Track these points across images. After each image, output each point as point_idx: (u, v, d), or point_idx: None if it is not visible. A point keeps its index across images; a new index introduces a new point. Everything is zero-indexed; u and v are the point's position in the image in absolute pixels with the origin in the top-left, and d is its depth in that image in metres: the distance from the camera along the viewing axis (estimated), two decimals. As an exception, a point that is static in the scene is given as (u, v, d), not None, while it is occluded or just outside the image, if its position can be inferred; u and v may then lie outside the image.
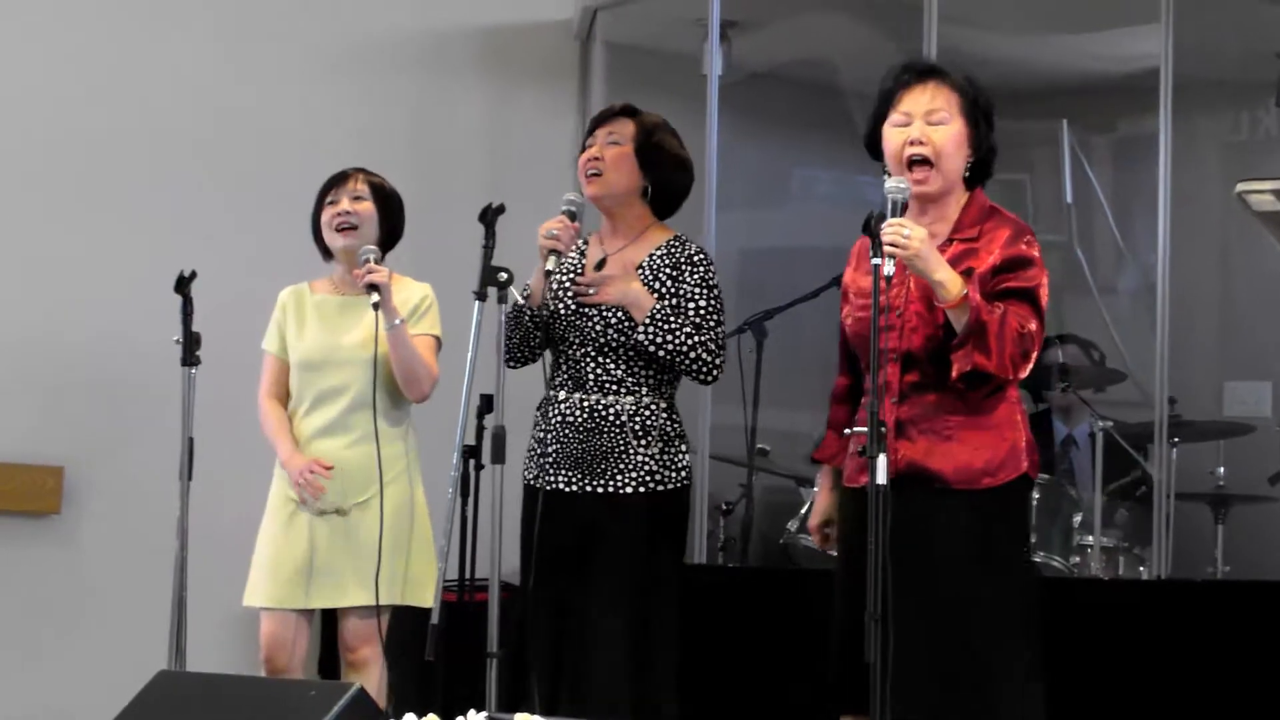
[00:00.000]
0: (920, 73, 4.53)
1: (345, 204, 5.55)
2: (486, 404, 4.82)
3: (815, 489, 4.95)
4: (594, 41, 8.13)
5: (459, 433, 4.83)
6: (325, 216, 5.57)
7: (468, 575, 5.15)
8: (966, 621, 4.34)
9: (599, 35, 8.10)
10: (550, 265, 5.04)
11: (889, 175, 4.42)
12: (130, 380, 6.84)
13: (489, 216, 4.85)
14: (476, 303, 4.84)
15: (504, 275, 4.81)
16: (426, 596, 5.36)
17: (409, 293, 5.57)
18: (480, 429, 4.87)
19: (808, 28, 8.40)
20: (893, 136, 4.36)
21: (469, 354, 4.87)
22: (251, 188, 7.39)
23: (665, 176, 5.29)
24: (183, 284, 5.42)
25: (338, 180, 5.63)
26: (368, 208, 5.53)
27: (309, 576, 5.40)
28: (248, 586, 5.45)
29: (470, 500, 4.94)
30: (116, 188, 7.26)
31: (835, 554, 4.78)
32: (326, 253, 5.62)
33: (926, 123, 4.38)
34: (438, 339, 5.56)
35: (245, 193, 7.16)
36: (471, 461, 4.89)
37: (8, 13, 7.23)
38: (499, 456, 4.69)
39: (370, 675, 5.18)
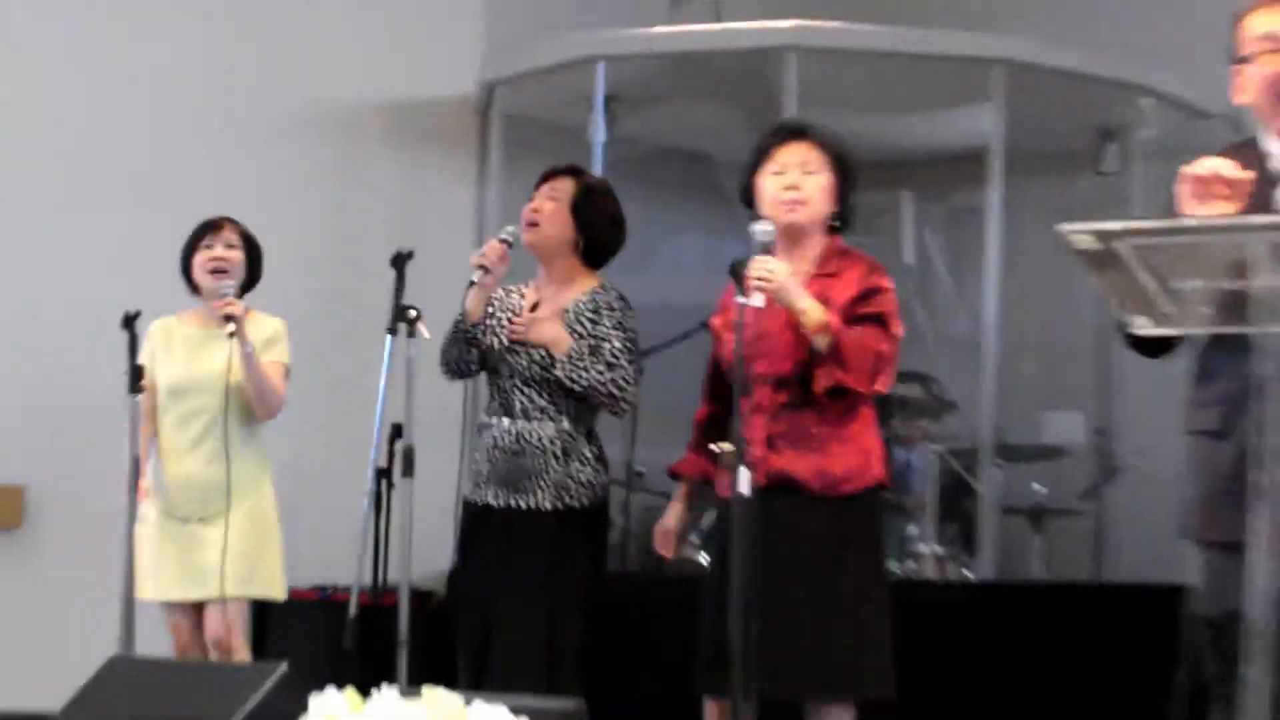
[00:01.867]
0: (794, 131, 4.79)
1: (220, 250, 5.79)
2: (396, 431, 5.06)
3: (679, 487, 5.22)
4: (492, 114, 8.33)
5: (373, 454, 5.07)
6: (199, 259, 5.81)
7: (380, 581, 5.31)
8: (830, 611, 4.60)
9: (496, 108, 8.31)
10: (475, 277, 5.25)
11: (757, 221, 4.65)
12: (85, 407, 6.98)
13: (400, 262, 5.12)
14: (388, 337, 5.07)
15: (413, 312, 5.08)
16: (276, 590, 5.87)
17: (264, 326, 5.85)
18: (391, 453, 5.10)
19: (683, 106, 8.59)
20: (769, 184, 4.59)
21: (380, 384, 5.12)
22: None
23: (596, 233, 5.45)
24: (129, 322, 5.63)
25: (211, 227, 5.90)
26: (238, 255, 5.82)
27: (178, 573, 5.77)
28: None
29: (383, 515, 5.14)
30: (73, 232, 7.46)
31: (670, 556, 5.23)
32: (195, 289, 5.89)
33: (801, 172, 4.62)
34: (286, 366, 5.87)
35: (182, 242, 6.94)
36: (384, 481, 5.09)
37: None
38: (409, 471, 5.00)
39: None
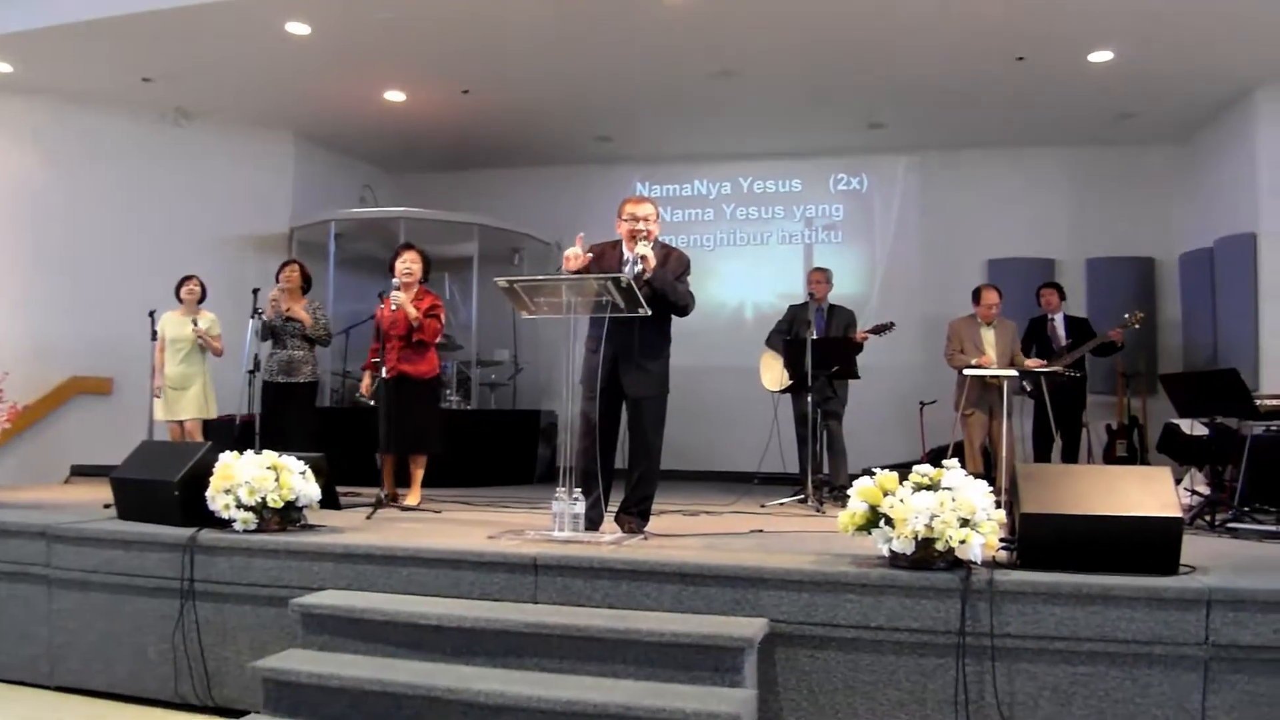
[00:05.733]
0: (407, 246, 8.12)
1: (189, 287, 9.08)
2: (254, 359, 7.91)
3: (364, 376, 8.33)
4: (294, 240, 12.74)
5: (245, 363, 7.83)
6: (183, 289, 8.96)
7: (247, 411, 7.92)
8: (428, 416, 7.87)
9: (295, 238, 12.72)
10: (273, 301, 8.33)
11: (394, 279, 7.66)
12: (133, 344, 9.74)
13: (255, 292, 8.10)
14: (251, 321, 8.13)
15: (259, 309, 8.22)
16: (210, 414, 9.05)
17: (206, 317, 9.13)
18: (254, 363, 7.86)
19: (365, 239, 12.51)
20: (399, 266, 7.77)
21: (247, 337, 7.99)
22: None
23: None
24: (150, 314, 8.75)
25: (186, 278, 9.12)
26: (197, 288, 9.05)
27: (172, 409, 8.96)
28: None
29: (251, 387, 7.72)
30: (134, 274, 11.16)
31: (368, 396, 8.04)
32: (180, 300, 8.92)
33: (410, 261, 7.95)
34: (216, 333, 9.01)
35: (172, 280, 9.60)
36: (250, 374, 7.83)
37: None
38: (257, 369, 7.86)
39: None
